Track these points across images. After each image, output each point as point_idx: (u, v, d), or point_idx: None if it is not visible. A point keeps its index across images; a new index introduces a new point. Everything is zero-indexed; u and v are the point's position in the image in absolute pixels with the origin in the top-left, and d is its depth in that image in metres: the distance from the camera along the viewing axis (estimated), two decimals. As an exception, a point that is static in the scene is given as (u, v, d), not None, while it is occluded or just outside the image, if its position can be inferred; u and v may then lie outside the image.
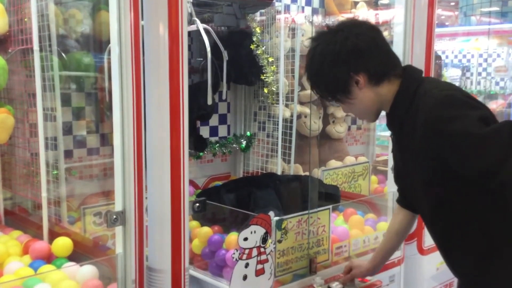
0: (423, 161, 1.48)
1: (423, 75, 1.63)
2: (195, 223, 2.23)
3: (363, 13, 3.21)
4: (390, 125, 1.64)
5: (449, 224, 1.53)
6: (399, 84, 1.56)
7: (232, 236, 2.01)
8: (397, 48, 2.52)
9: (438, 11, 2.52)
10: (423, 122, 1.43)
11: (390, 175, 2.56)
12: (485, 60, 6.03)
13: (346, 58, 1.54)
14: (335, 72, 1.56)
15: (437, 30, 2.56)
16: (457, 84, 4.73)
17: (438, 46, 4.08)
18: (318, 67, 1.60)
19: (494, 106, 5.55)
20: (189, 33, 2.46)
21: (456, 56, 5.02)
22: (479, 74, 5.15)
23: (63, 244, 1.83)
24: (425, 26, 2.48)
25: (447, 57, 4.97)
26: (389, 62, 1.58)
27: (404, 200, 1.86)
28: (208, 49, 2.25)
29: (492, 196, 1.39)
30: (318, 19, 3.10)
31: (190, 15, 2.33)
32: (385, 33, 3.28)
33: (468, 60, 5.18)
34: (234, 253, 1.79)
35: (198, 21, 2.31)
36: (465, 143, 1.36)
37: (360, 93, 1.57)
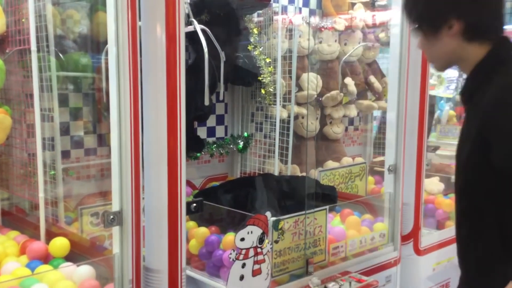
0: (472, 140, 1.40)
1: None
2: (192, 223, 2.23)
3: (360, 14, 3.22)
4: (462, 93, 1.53)
5: (470, 208, 1.47)
6: (487, 50, 1.44)
7: (229, 237, 2.01)
8: (394, 49, 2.53)
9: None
10: (487, 102, 1.34)
11: (387, 176, 2.58)
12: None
13: None
14: (439, 5, 1.44)
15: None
16: (453, 85, 4.73)
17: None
18: None
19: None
20: (186, 33, 2.47)
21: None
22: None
23: (60, 245, 1.83)
24: (422, 27, 2.48)
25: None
26: (494, 25, 1.44)
27: None
28: (205, 49, 2.25)
29: None
30: (315, 20, 3.11)
31: (188, 16, 2.34)
32: (382, 34, 3.32)
33: None
34: (231, 254, 1.79)
35: (195, 22, 2.32)
36: None
37: (446, 39, 1.44)
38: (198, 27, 2.31)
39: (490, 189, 1.41)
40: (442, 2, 1.43)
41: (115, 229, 1.58)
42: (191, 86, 2.11)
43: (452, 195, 2.88)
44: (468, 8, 1.41)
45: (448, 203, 2.94)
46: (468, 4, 1.40)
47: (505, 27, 1.46)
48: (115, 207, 1.57)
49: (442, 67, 1.56)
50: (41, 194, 2.00)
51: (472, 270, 1.53)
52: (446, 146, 3.69)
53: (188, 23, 2.33)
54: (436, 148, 3.65)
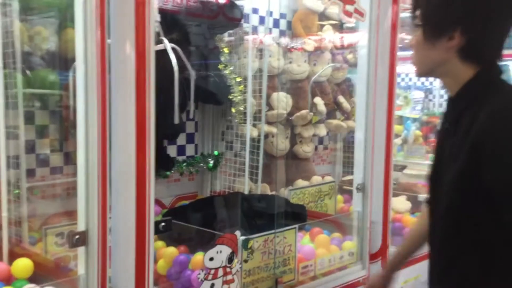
0: (460, 162, 1.34)
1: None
2: (160, 243, 2.20)
3: (329, 35, 3.29)
4: (448, 114, 1.47)
5: (453, 230, 1.42)
6: (476, 71, 1.37)
7: (198, 256, 1.99)
8: (361, 70, 2.58)
9: (402, 35, 2.58)
10: (483, 122, 1.28)
11: (356, 195, 2.60)
12: (447, 83, 6.18)
13: (475, 11, 1.32)
14: (450, 12, 1.34)
15: (400, 54, 2.64)
16: (420, 106, 4.85)
17: (401, 68, 4.20)
18: None
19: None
20: (157, 52, 2.47)
21: (419, 79, 5.17)
22: (441, 96, 5.30)
23: (23, 265, 1.79)
24: (388, 49, 2.55)
25: (410, 79, 5.11)
26: (491, 51, 1.38)
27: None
28: (175, 68, 2.25)
29: (500, 226, 1.32)
30: (285, 40, 3.15)
31: (158, 34, 2.34)
32: (350, 56, 3.39)
33: (431, 83, 5.33)
34: (199, 274, 1.77)
35: (165, 40, 2.32)
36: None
37: (442, 49, 1.36)
38: (168, 45, 2.31)
39: (474, 215, 1.37)
40: (454, 11, 1.34)
41: (81, 250, 1.55)
42: (161, 104, 2.11)
43: (418, 214, 2.93)
44: (476, 27, 1.34)
45: (415, 222, 2.98)
46: (477, 22, 1.34)
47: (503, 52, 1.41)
48: (80, 227, 1.54)
49: (422, 73, 1.50)
50: (4, 214, 1.95)
51: None
52: (413, 166, 3.76)
53: (158, 41, 2.33)
54: (403, 168, 3.71)
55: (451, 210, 1.42)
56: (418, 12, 1.39)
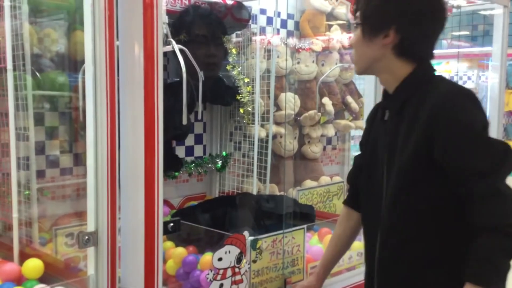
0: (413, 144, 1.44)
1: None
2: (169, 243, 2.21)
3: (337, 35, 3.28)
4: (388, 105, 1.58)
5: (407, 215, 1.49)
6: (413, 68, 1.51)
7: (207, 257, 2.00)
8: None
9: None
10: (433, 106, 1.41)
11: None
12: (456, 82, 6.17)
13: (406, 12, 1.47)
14: (387, 11, 1.49)
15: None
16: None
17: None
18: None
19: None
20: (165, 53, 2.48)
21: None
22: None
23: (34, 266, 1.80)
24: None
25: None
26: (425, 49, 1.52)
27: (355, 200, 1.78)
28: (184, 69, 2.26)
29: (452, 203, 1.41)
30: (293, 41, 3.15)
31: (166, 36, 2.35)
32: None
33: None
34: (208, 274, 1.78)
35: (173, 42, 2.33)
36: (463, 137, 1.37)
37: (378, 46, 1.50)
38: (176, 47, 2.32)
39: (428, 194, 1.45)
40: (390, 12, 1.48)
41: (90, 250, 1.56)
42: (169, 105, 2.12)
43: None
44: (408, 25, 1.48)
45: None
46: (409, 22, 1.47)
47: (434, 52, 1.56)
48: (90, 227, 1.55)
49: (361, 70, 1.61)
50: (15, 215, 1.97)
51: (406, 277, 1.52)
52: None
53: (167, 43, 2.34)
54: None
55: (403, 195, 1.49)
56: (358, 13, 1.54)
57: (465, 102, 1.41)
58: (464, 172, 1.38)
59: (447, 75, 6.17)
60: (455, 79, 6.17)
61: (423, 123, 1.42)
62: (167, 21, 2.39)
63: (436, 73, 1.57)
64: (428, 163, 1.43)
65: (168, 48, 2.32)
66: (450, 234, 1.45)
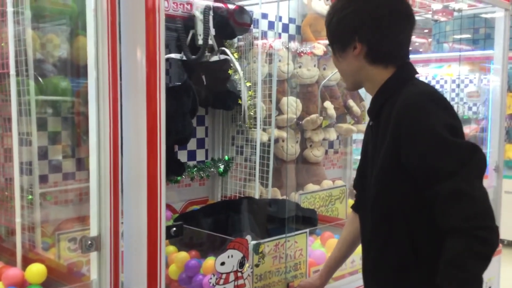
0: (386, 145, 1.48)
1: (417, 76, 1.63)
2: (172, 248, 2.21)
3: (339, 39, 3.28)
4: (370, 110, 1.64)
5: (384, 219, 1.52)
6: (391, 73, 1.56)
7: (209, 261, 2.00)
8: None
9: (412, 38, 2.58)
10: (398, 107, 1.45)
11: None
12: (458, 85, 6.18)
13: (363, 22, 1.53)
14: (346, 26, 1.56)
15: (411, 57, 2.61)
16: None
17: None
18: (340, 9, 1.58)
19: (467, 131, 5.67)
20: (167, 58, 2.49)
21: (429, 82, 5.15)
22: (452, 99, 5.28)
23: (37, 271, 1.80)
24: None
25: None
26: (395, 52, 1.57)
27: (359, 205, 1.82)
28: (241, 74, 2.31)
29: (424, 205, 1.41)
30: (294, 45, 3.16)
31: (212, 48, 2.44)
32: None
33: (442, 86, 5.31)
34: (211, 278, 1.78)
35: (227, 50, 2.51)
36: (424, 138, 1.37)
37: (351, 59, 1.57)
38: (232, 56, 2.39)
39: (400, 197, 1.47)
40: (348, 25, 1.55)
41: (93, 255, 1.56)
42: (171, 110, 2.12)
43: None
44: (369, 34, 1.53)
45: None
46: (369, 31, 1.53)
47: (409, 53, 1.62)
48: (93, 232, 1.55)
49: (351, 86, 1.69)
50: (17, 219, 1.97)
51: (387, 282, 1.55)
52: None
53: (218, 51, 2.46)
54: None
55: (380, 197, 1.53)
56: (327, 35, 1.64)
57: (427, 103, 1.42)
58: (427, 174, 1.38)
59: (448, 79, 6.18)
60: (456, 82, 6.17)
61: (391, 126, 1.46)
62: (213, 33, 2.49)
63: (417, 76, 1.60)
64: (398, 167, 1.44)
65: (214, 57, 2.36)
66: (425, 238, 1.45)
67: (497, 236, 1.33)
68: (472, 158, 1.35)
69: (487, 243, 1.30)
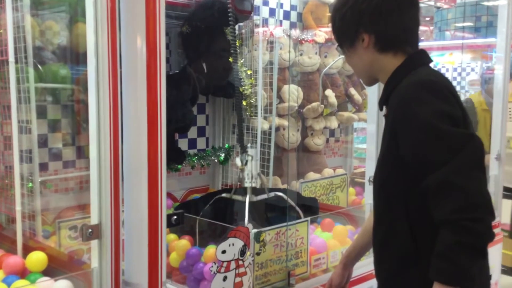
0: (387, 136, 1.49)
1: (431, 64, 1.59)
2: (173, 236, 2.21)
3: (340, 27, 3.26)
4: (379, 100, 1.62)
5: (384, 212, 1.52)
6: (402, 61, 1.54)
7: (210, 249, 1.99)
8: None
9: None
10: (397, 97, 1.44)
11: (368, 187, 2.59)
12: (459, 74, 6.14)
13: (364, 12, 1.52)
14: (349, 20, 1.55)
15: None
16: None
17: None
18: (340, 7, 1.58)
19: (468, 119, 5.63)
20: (167, 44, 2.47)
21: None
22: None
23: (37, 259, 1.80)
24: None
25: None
26: (403, 36, 1.55)
27: None
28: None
29: (422, 199, 1.38)
30: (296, 33, 3.14)
31: None
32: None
33: (443, 74, 5.31)
34: (212, 266, 1.77)
35: None
36: (415, 129, 1.36)
37: (362, 52, 1.56)
38: None
39: (401, 187, 1.45)
40: (351, 18, 1.55)
41: (94, 243, 1.56)
42: (171, 98, 2.11)
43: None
44: (372, 22, 1.52)
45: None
46: (373, 20, 1.52)
47: (419, 38, 1.60)
48: (93, 220, 1.55)
49: (367, 80, 1.67)
50: (18, 208, 1.96)
51: (388, 274, 1.55)
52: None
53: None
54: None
55: (381, 189, 1.53)
56: (334, 35, 1.64)
57: (421, 93, 1.39)
58: (420, 166, 1.35)
59: (450, 67, 6.13)
60: (458, 71, 6.13)
61: (390, 117, 1.46)
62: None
63: (431, 64, 1.57)
64: (397, 159, 1.43)
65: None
66: (424, 232, 1.43)
67: (489, 227, 1.29)
68: (466, 146, 1.31)
69: (477, 234, 1.27)
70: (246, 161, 2.34)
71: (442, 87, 1.42)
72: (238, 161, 2.38)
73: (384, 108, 1.61)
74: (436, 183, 1.30)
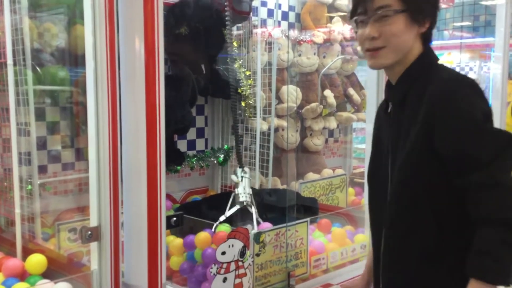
0: (416, 131, 1.41)
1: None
2: (173, 238, 2.20)
3: (339, 27, 3.26)
4: (392, 95, 1.53)
5: (408, 208, 1.46)
6: (420, 51, 1.47)
7: (202, 234, 2.00)
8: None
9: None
10: (433, 92, 1.38)
11: (367, 187, 2.58)
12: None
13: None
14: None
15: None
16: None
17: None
18: None
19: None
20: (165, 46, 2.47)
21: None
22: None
23: (37, 261, 1.80)
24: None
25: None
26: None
27: None
28: None
29: (452, 193, 1.38)
30: (294, 33, 3.14)
31: None
32: (360, 48, 3.35)
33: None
34: (212, 268, 1.77)
35: None
36: (462, 125, 1.34)
37: (414, 34, 1.44)
38: None
39: (428, 183, 1.42)
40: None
41: (93, 245, 1.56)
42: (170, 99, 2.11)
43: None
44: (435, 13, 1.47)
45: None
46: (436, 10, 1.47)
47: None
48: (93, 222, 1.55)
49: (392, 63, 1.48)
50: (17, 210, 1.96)
51: (409, 271, 1.50)
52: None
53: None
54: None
55: (405, 185, 1.45)
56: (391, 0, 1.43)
57: (466, 90, 1.38)
58: (462, 162, 1.35)
59: (449, 66, 6.13)
60: (457, 70, 6.13)
61: (424, 112, 1.40)
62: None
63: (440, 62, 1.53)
64: (429, 154, 1.40)
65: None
66: (451, 226, 1.42)
67: None
68: (508, 148, 1.33)
69: None
70: (242, 177, 2.36)
71: (478, 86, 1.41)
72: (234, 177, 2.41)
73: (391, 104, 1.54)
74: (483, 181, 1.30)
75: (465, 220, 1.37)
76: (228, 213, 2.25)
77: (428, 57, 1.48)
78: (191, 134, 2.87)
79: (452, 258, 1.40)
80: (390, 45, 1.44)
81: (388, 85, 1.57)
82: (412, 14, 1.43)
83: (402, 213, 1.48)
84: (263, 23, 2.96)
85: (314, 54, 3.18)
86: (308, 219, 2.20)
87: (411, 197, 1.45)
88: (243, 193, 2.32)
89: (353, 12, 1.48)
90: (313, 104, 3.14)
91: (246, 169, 2.45)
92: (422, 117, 1.40)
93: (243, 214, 2.33)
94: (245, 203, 2.30)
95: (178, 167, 2.72)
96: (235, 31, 2.88)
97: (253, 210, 2.28)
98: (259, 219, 2.31)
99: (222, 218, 2.23)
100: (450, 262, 1.41)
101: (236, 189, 2.36)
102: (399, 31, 1.43)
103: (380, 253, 1.56)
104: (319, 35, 3.16)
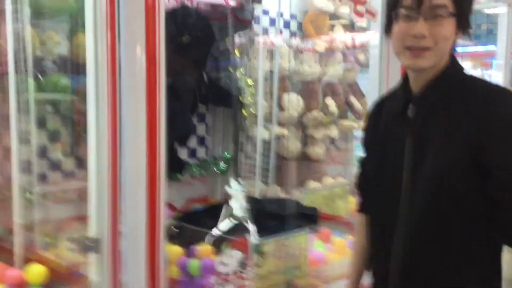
0: (455, 140, 1.34)
1: None
2: (173, 247, 2.19)
3: (340, 36, 3.26)
4: (421, 100, 1.43)
5: (441, 221, 1.38)
6: (448, 59, 1.41)
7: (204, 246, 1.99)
8: (373, 70, 2.55)
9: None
10: (478, 102, 1.32)
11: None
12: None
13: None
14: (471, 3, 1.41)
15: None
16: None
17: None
18: None
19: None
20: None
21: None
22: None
23: (36, 271, 1.79)
24: (400, 49, 2.51)
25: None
26: None
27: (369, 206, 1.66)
28: None
29: (486, 208, 1.33)
30: (296, 41, 3.14)
31: None
32: (362, 56, 3.35)
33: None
34: (212, 279, 1.76)
35: None
36: None
37: (455, 38, 1.38)
38: None
39: (461, 195, 1.35)
40: (471, 2, 1.41)
41: (93, 255, 1.55)
42: (171, 107, 2.10)
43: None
44: (466, 20, 1.40)
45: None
46: (466, 17, 1.40)
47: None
48: (92, 232, 1.54)
49: (428, 66, 1.40)
50: (17, 219, 1.95)
51: (429, 282, 1.42)
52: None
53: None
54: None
55: (434, 194, 1.37)
56: (451, 3, 1.35)
57: (510, 100, 1.33)
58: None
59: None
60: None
61: (465, 122, 1.32)
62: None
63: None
64: (471, 168, 1.32)
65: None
66: (478, 240, 1.37)
67: None
68: None
69: None
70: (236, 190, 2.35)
71: None
72: (228, 189, 2.39)
73: (413, 108, 1.44)
74: None
75: (492, 235, 1.35)
76: (222, 227, 2.21)
77: (458, 65, 1.43)
78: (192, 142, 2.86)
79: (477, 272, 1.37)
80: (437, 47, 1.37)
81: (407, 88, 1.48)
82: (460, 20, 1.37)
83: (424, 225, 1.41)
84: (265, 31, 2.96)
85: (316, 62, 3.17)
86: (308, 229, 2.19)
87: (437, 209, 1.39)
88: (239, 208, 2.29)
89: (398, 3, 1.38)
90: (315, 112, 3.13)
91: (241, 181, 2.42)
92: (462, 128, 1.33)
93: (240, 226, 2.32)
94: (241, 219, 2.27)
95: (179, 176, 2.71)
96: (237, 40, 2.88)
97: (250, 226, 2.24)
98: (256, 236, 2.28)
99: (216, 232, 2.19)
100: (471, 276, 1.37)
101: (230, 201, 2.32)
102: (449, 34, 1.36)
103: (393, 269, 1.48)
104: (320, 44, 3.16)
